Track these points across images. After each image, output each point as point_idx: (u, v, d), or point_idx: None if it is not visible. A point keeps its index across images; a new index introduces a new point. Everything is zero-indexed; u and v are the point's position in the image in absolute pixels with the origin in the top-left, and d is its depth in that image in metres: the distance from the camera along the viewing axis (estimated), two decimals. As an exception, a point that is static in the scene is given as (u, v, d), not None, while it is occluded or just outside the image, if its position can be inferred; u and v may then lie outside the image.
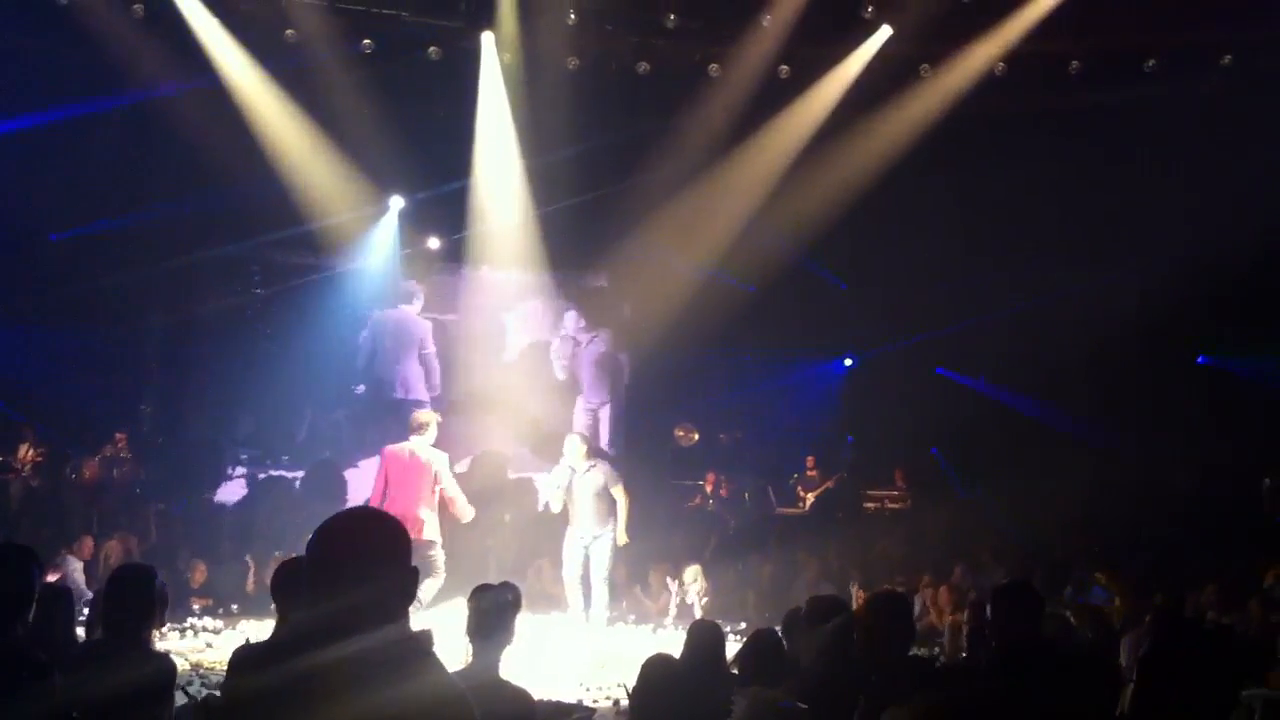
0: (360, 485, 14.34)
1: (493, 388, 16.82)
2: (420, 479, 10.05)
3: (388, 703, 2.39)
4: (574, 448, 10.89)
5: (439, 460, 10.20)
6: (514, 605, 4.93)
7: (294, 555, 6.29)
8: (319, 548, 2.59)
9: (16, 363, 14.94)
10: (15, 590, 4.33)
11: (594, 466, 10.85)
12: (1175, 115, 13.91)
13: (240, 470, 16.04)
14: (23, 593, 4.35)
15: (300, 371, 15.62)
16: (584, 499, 10.76)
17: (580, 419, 16.74)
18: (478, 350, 17.02)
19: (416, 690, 2.45)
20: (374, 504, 9.84)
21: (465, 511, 10.28)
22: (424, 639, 2.60)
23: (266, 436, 16.39)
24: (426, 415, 10.55)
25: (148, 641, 4.82)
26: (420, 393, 16.57)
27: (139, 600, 4.79)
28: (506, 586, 5.00)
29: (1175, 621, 4.80)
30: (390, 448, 10.39)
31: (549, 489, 11.01)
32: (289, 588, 5.59)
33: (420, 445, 10.17)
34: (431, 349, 16.81)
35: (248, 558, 12.59)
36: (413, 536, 8.93)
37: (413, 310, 16.85)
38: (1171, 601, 9.62)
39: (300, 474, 15.95)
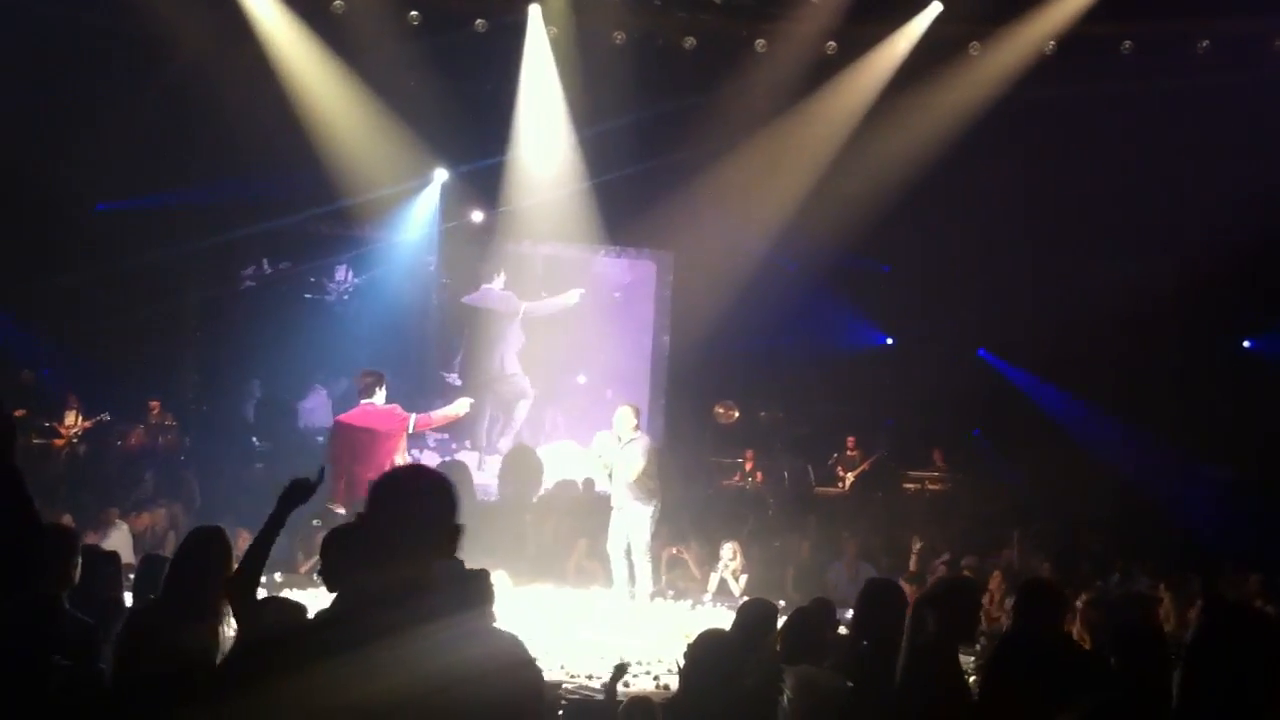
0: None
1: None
2: (381, 443, 9.72)
3: (451, 667, 2.37)
4: (625, 418, 10.78)
5: (398, 417, 9.86)
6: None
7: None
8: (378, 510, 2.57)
9: (60, 331, 15.11)
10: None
11: (636, 440, 10.74)
12: (1224, 98, 13.74)
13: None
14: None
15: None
16: (624, 470, 10.67)
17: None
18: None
19: (481, 654, 2.43)
20: (338, 480, 9.62)
21: (456, 410, 10.32)
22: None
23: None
24: (371, 375, 10.04)
25: (215, 606, 4.76)
26: (516, 368, 16.66)
27: (204, 563, 4.77)
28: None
29: (1224, 606, 4.74)
30: (343, 417, 10.18)
31: (593, 459, 10.90)
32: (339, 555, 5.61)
33: (373, 408, 9.84)
34: (517, 324, 16.88)
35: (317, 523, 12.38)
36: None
37: (496, 286, 16.87)
38: (1213, 588, 9.54)
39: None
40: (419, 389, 15.45)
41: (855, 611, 5.88)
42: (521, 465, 15.47)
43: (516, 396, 16.87)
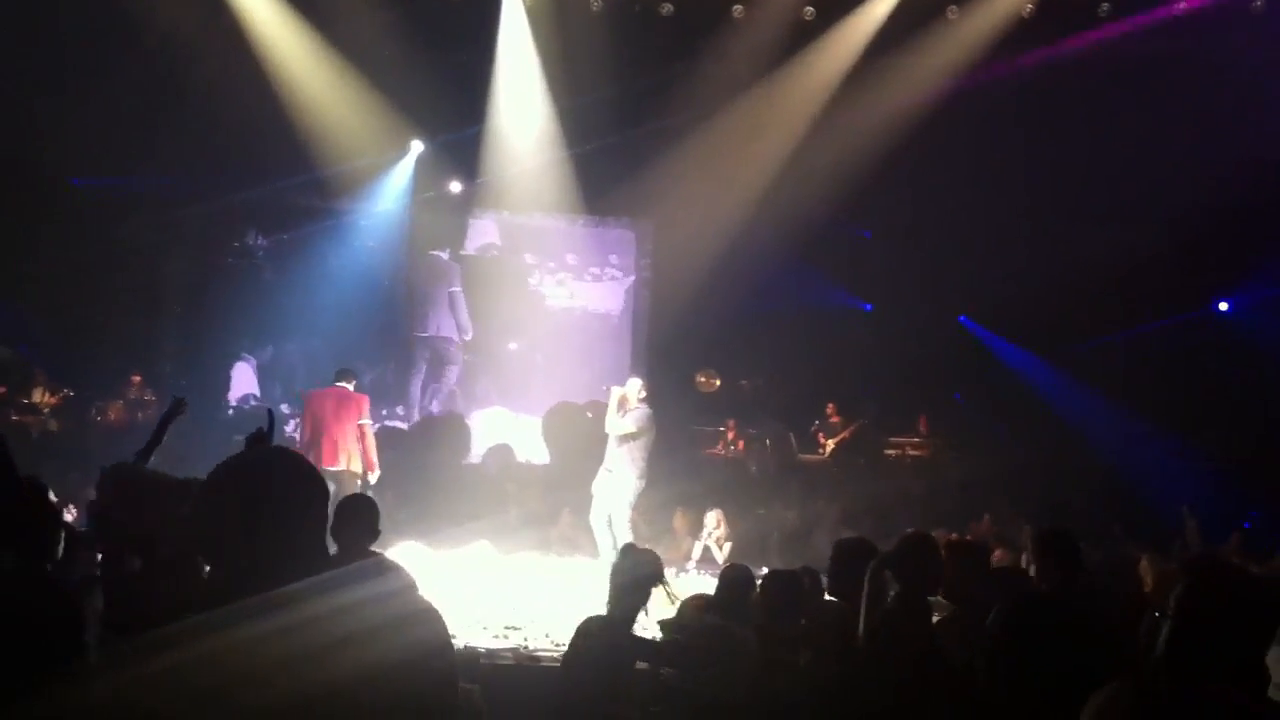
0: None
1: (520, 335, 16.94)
2: (349, 414, 11.50)
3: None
4: (635, 389, 10.76)
5: (363, 400, 11.80)
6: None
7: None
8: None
9: (30, 304, 14.95)
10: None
11: (637, 409, 10.69)
12: (1203, 61, 13.72)
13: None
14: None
15: (331, 318, 15.69)
16: (617, 429, 10.64)
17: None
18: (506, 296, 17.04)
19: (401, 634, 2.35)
20: (304, 442, 11.34)
21: (373, 450, 11.51)
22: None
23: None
24: (350, 369, 12.04)
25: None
26: (451, 332, 16.63)
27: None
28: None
29: (1209, 564, 4.77)
30: (315, 390, 12.05)
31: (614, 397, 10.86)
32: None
33: (345, 390, 11.65)
34: (459, 288, 16.81)
35: None
36: (342, 467, 10.69)
37: (444, 255, 16.86)
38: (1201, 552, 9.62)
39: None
40: (366, 348, 15.92)
41: (830, 574, 5.90)
42: (450, 433, 15.95)
43: (446, 361, 16.89)
